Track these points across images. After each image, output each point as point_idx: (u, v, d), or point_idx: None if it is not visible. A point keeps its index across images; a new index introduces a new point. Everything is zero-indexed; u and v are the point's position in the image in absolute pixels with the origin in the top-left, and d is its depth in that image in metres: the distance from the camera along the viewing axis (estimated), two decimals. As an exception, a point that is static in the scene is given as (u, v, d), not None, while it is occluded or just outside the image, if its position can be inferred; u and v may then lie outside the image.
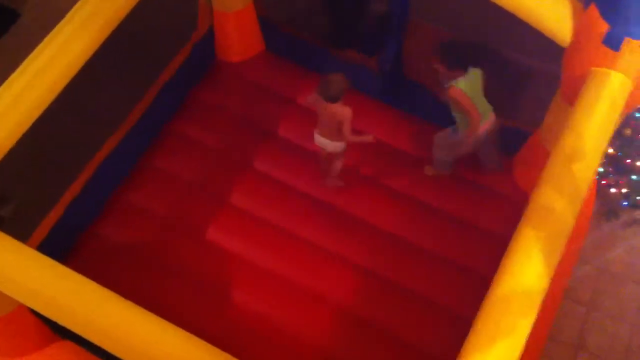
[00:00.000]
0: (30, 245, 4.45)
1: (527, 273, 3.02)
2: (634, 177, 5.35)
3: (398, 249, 4.82)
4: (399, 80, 5.45)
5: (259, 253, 4.82)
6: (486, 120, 4.63)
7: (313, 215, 4.94)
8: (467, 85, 4.44)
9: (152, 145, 5.29)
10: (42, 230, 4.79)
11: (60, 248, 4.79)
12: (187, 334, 3.08)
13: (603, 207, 5.53)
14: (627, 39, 3.40)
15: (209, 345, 3.05)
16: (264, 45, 5.69)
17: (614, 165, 5.38)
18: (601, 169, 5.36)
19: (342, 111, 4.44)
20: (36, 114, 3.55)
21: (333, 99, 4.41)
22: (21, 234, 3.65)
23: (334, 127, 4.55)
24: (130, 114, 5.26)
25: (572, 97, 3.60)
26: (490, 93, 4.71)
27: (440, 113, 5.27)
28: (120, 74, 5.78)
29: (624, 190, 5.44)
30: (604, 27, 3.39)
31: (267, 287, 4.71)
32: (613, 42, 3.41)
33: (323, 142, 4.72)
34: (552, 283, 3.10)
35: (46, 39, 3.62)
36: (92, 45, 3.67)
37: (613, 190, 5.46)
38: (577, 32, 3.57)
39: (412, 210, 4.97)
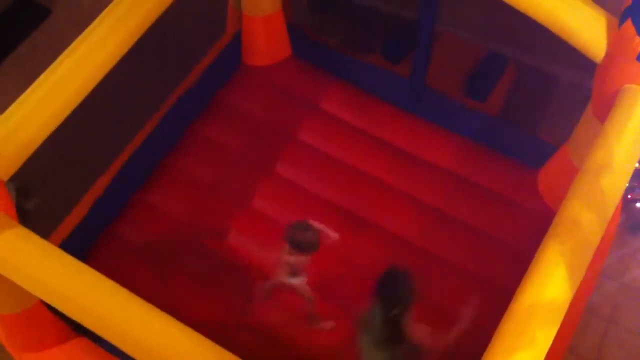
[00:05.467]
0: (53, 242, 4.52)
1: (551, 285, 3.01)
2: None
3: (418, 259, 4.79)
4: (423, 90, 5.44)
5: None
6: None
7: (335, 223, 4.89)
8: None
9: (176, 146, 5.29)
10: (65, 228, 4.81)
11: (82, 246, 4.81)
12: (204, 339, 3.08)
13: (628, 221, 5.46)
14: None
15: (226, 352, 3.04)
16: (290, 51, 5.69)
17: (639, 179, 5.31)
18: (627, 183, 5.29)
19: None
20: (66, 112, 3.58)
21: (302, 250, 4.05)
22: (44, 231, 3.67)
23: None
24: (155, 114, 5.28)
25: (603, 113, 3.57)
26: (516, 104, 4.70)
27: (463, 123, 5.28)
28: (147, 75, 5.81)
29: (649, 205, 5.38)
30: (639, 44, 3.36)
31: (286, 294, 4.68)
32: (648, 60, 3.38)
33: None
34: (573, 297, 3.07)
35: (79, 38, 3.65)
36: (124, 46, 3.69)
37: (639, 204, 5.39)
38: (611, 48, 3.55)
39: (433, 220, 4.94)
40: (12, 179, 3.51)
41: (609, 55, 3.57)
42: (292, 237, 4.05)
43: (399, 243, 4.85)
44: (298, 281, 4.30)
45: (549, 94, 5.41)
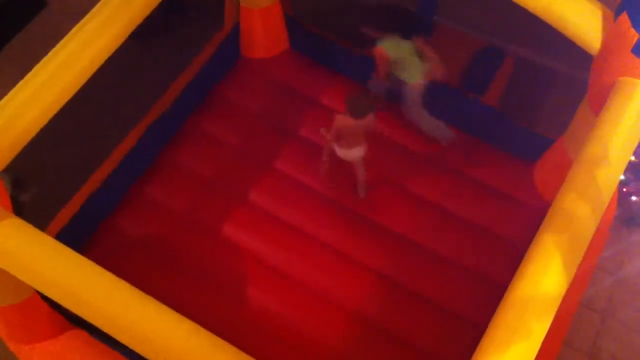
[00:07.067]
0: (50, 234, 4.52)
1: (545, 278, 3.02)
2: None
3: (417, 256, 4.80)
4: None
5: (277, 254, 4.80)
6: (417, 81, 4.91)
7: (331, 217, 4.92)
8: (390, 46, 4.82)
9: (174, 140, 5.29)
10: (62, 219, 4.81)
11: (79, 238, 4.81)
12: (200, 328, 3.10)
13: (624, 214, 5.47)
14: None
15: (222, 341, 3.06)
16: (288, 43, 5.68)
17: (635, 172, 5.31)
18: (622, 177, 5.29)
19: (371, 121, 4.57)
20: (61, 103, 3.58)
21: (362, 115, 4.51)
22: (40, 222, 3.67)
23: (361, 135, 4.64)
24: (153, 107, 5.27)
25: (599, 106, 3.57)
26: (514, 98, 4.70)
27: (462, 116, 5.28)
28: (144, 67, 5.80)
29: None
30: (634, 36, 3.36)
31: (282, 287, 4.70)
32: (643, 52, 3.38)
33: (355, 152, 4.73)
34: (569, 290, 3.08)
35: (73, 30, 3.64)
36: (119, 38, 3.69)
37: (634, 198, 5.40)
38: (607, 41, 3.55)
39: (430, 216, 4.94)
40: (7, 170, 3.50)
41: (604, 47, 3.57)
42: (350, 105, 4.51)
43: (400, 241, 4.85)
44: (359, 152, 4.73)
45: (546, 87, 5.39)
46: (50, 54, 3.58)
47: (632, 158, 5.18)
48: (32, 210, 5.12)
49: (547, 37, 4.00)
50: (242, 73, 5.58)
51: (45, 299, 4.06)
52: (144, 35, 3.86)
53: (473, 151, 5.20)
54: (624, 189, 5.37)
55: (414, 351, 4.46)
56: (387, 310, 4.61)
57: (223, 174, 5.15)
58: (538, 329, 2.92)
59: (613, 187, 3.25)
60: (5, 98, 3.48)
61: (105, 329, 3.22)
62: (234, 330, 4.39)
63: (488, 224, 4.88)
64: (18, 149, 3.47)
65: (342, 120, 4.53)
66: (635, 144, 3.40)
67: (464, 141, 5.21)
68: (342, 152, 4.73)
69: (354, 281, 4.71)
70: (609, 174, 3.23)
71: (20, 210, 3.66)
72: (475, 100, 5.29)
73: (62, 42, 3.61)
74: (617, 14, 3.44)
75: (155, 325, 3.11)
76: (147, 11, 3.77)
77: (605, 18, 3.55)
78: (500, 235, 4.84)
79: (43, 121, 3.52)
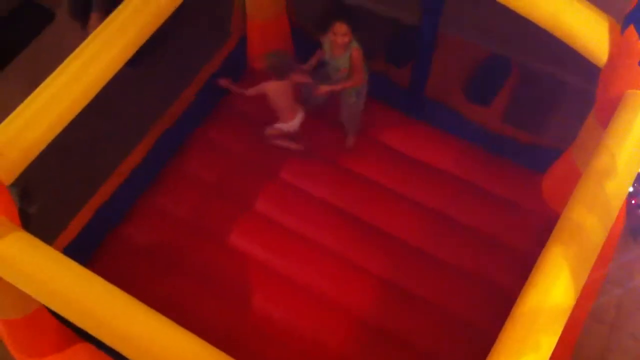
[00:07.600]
0: (58, 246, 4.52)
1: (554, 290, 3.01)
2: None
3: (419, 261, 4.81)
4: (422, 100, 5.44)
5: (281, 260, 4.82)
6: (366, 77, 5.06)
7: (335, 224, 4.95)
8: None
9: (181, 148, 5.32)
10: (70, 232, 4.83)
11: (87, 249, 4.83)
12: (205, 344, 3.08)
13: (631, 226, 5.44)
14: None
15: (227, 356, 3.04)
16: (294, 55, 5.69)
17: (642, 183, 5.31)
18: (630, 188, 5.26)
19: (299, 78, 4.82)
20: (70, 116, 3.58)
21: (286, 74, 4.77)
22: (47, 235, 3.67)
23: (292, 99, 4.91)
24: (162, 118, 5.30)
25: (606, 118, 3.57)
26: (520, 109, 4.68)
27: (464, 127, 5.29)
28: (153, 79, 5.82)
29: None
30: (642, 48, 3.36)
31: (288, 294, 4.72)
32: (650, 64, 3.38)
33: (297, 121, 5.00)
34: (577, 302, 3.07)
35: (84, 42, 3.65)
36: (128, 50, 3.70)
37: (641, 210, 5.39)
38: (614, 53, 3.54)
39: (435, 223, 4.95)
40: (15, 182, 3.51)
41: (611, 59, 3.57)
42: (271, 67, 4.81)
43: (402, 247, 4.86)
44: (299, 119, 5.03)
45: (554, 98, 5.39)
46: (61, 66, 3.59)
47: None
48: (40, 222, 5.13)
49: (555, 48, 3.99)
50: (250, 83, 5.60)
51: (52, 312, 4.06)
52: (149, 45, 3.86)
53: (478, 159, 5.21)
54: (632, 201, 5.35)
55: (418, 357, 4.46)
56: (391, 316, 4.62)
57: (229, 182, 5.19)
58: (547, 341, 2.91)
59: (622, 198, 3.25)
60: (16, 110, 3.49)
61: (111, 343, 3.22)
62: (238, 335, 4.46)
63: (490, 229, 4.90)
64: (28, 161, 3.48)
65: (270, 86, 4.76)
66: (644, 156, 3.39)
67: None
68: (285, 127, 5.00)
69: (357, 287, 4.73)
70: (618, 186, 3.23)
71: (28, 222, 3.66)
72: (477, 125, 5.30)
73: (72, 55, 3.62)
74: (624, 26, 3.44)
75: (161, 340, 3.10)
76: (156, 24, 3.79)
77: (612, 30, 3.55)
78: (502, 239, 4.85)
79: (53, 133, 3.52)
